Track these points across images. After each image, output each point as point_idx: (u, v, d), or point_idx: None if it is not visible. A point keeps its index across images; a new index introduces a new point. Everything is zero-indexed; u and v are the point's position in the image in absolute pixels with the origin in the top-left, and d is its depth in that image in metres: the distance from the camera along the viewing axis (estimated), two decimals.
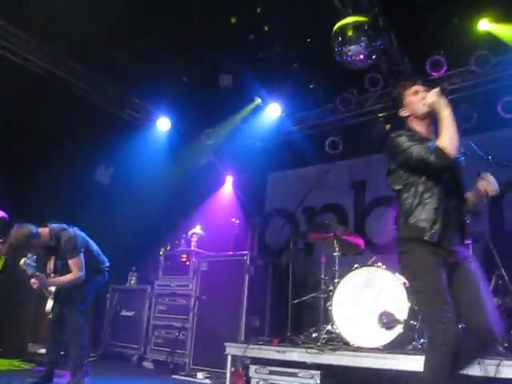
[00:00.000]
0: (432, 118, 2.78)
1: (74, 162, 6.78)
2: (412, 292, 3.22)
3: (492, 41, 5.55)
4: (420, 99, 2.79)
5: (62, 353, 4.30)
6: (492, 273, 4.57)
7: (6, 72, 5.99)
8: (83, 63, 6.64)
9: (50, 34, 6.02)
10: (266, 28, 5.90)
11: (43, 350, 4.71)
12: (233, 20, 5.77)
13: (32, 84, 6.26)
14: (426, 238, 2.58)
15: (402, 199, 2.74)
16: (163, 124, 7.85)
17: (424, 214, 2.61)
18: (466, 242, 2.92)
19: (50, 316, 4.30)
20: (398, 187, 2.78)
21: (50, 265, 4.43)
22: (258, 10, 5.62)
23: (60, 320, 4.21)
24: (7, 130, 6.24)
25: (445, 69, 5.96)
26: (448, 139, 2.57)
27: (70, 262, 4.19)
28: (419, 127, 2.84)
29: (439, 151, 2.57)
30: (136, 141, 7.36)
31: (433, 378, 2.46)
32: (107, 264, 4.61)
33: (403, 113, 2.90)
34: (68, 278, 4.17)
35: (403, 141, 2.71)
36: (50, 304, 4.28)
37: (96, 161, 7.08)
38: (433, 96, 2.68)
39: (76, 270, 4.16)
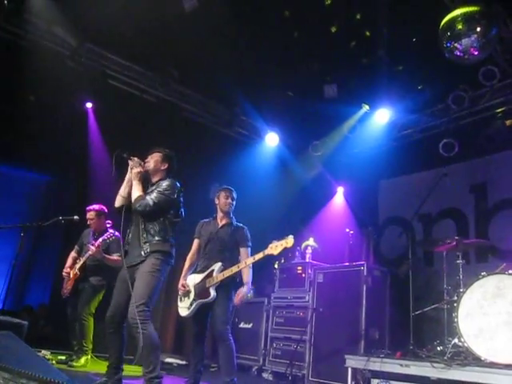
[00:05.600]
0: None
1: (189, 182, 7.15)
2: None
3: None
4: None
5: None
6: None
7: (123, 102, 6.58)
8: (191, 87, 7.06)
9: (159, 62, 6.51)
10: (368, 33, 5.80)
11: (169, 360, 4.94)
12: (333, 29, 5.76)
13: (148, 112, 6.79)
14: None
15: None
16: (271, 139, 8.01)
17: None
18: None
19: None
20: None
21: None
22: (358, 16, 5.55)
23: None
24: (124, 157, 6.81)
25: None
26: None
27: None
28: None
29: None
30: (246, 157, 7.59)
31: None
32: None
33: None
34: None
35: None
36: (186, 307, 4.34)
37: (209, 179, 7.41)
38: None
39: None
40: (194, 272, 4.48)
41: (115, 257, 5.53)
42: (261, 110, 7.42)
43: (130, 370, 5.46)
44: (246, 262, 4.25)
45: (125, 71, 6.72)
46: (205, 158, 7.25)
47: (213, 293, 4.18)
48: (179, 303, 4.46)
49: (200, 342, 4.36)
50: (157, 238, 3.78)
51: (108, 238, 5.45)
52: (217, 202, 4.59)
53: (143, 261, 3.71)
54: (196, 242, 4.62)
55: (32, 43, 6.06)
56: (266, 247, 4.19)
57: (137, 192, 3.85)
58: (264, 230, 7.48)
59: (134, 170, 3.94)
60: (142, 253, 3.73)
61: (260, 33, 5.91)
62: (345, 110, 7.26)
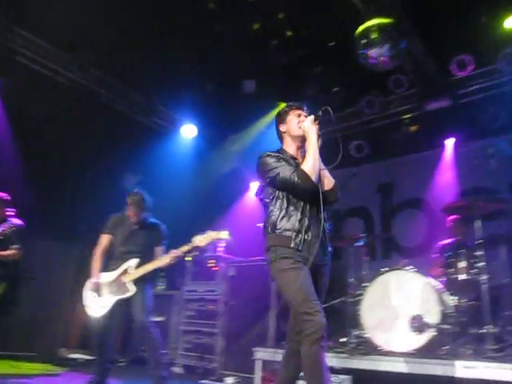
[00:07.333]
0: (302, 141, 3.06)
1: (103, 171, 6.89)
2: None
3: None
4: (298, 121, 3.10)
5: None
6: None
7: (36, 84, 6.17)
8: (109, 73, 6.79)
9: (78, 45, 6.19)
10: (290, 33, 5.92)
11: (74, 355, 4.77)
12: (255, 26, 5.81)
13: (60, 95, 6.42)
14: (292, 245, 2.80)
15: (268, 212, 2.96)
16: (189, 131, 7.93)
17: (289, 225, 2.84)
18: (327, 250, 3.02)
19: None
20: (267, 200, 3.01)
21: None
22: (280, 16, 5.65)
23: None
24: (35, 142, 6.40)
25: (471, 68, 5.86)
26: (310, 164, 2.86)
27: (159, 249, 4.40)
28: (289, 146, 3.13)
29: (302, 174, 2.83)
30: (162, 148, 7.44)
31: None
32: None
33: (282, 127, 3.20)
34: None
35: (271, 161, 2.95)
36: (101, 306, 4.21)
37: (124, 169, 7.19)
38: (308, 122, 2.99)
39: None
40: (105, 270, 4.34)
41: (10, 251, 5.19)
42: (179, 101, 7.31)
43: (29, 367, 5.19)
44: (171, 254, 4.23)
45: (37, 50, 6.27)
46: (120, 147, 6.99)
47: (132, 288, 4.14)
48: (90, 303, 4.27)
49: (110, 339, 4.25)
50: (330, 234, 3.07)
51: (7, 229, 5.13)
52: (128, 208, 4.47)
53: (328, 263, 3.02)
54: (107, 237, 4.44)
55: None
56: (190, 240, 4.23)
57: (328, 174, 3.09)
58: (178, 222, 7.41)
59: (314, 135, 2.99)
60: (327, 252, 3.02)
61: (181, 24, 5.82)
62: (263, 106, 7.34)
